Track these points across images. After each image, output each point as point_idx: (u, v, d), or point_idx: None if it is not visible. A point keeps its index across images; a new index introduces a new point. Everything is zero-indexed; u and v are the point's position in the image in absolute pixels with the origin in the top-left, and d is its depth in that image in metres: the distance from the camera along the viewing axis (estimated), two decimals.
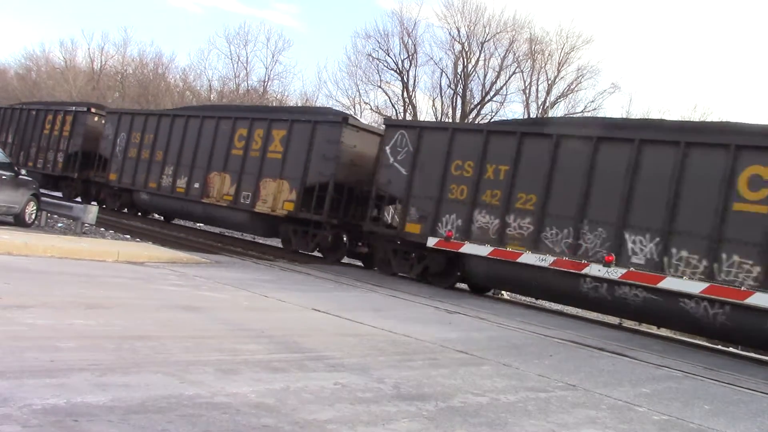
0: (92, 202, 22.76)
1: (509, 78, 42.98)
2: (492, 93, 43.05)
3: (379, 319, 8.76)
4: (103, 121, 24.60)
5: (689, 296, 11.38)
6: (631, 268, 11.91)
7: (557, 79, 42.50)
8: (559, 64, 42.25)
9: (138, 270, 10.26)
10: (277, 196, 17.81)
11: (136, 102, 48.44)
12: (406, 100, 43.61)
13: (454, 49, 43.16)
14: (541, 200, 13.29)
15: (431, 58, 44.23)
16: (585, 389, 6.42)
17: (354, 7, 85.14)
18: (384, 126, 17.29)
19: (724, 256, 11.17)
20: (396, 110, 43.18)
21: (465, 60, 42.89)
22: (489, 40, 42.51)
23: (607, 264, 12.07)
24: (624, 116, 38.10)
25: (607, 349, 9.47)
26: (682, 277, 11.44)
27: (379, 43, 43.97)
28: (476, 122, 38.23)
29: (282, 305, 9.04)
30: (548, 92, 42.65)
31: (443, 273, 15.02)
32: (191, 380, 4.56)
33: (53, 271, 8.79)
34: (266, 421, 3.96)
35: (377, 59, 43.89)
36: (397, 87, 44.25)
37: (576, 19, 66.13)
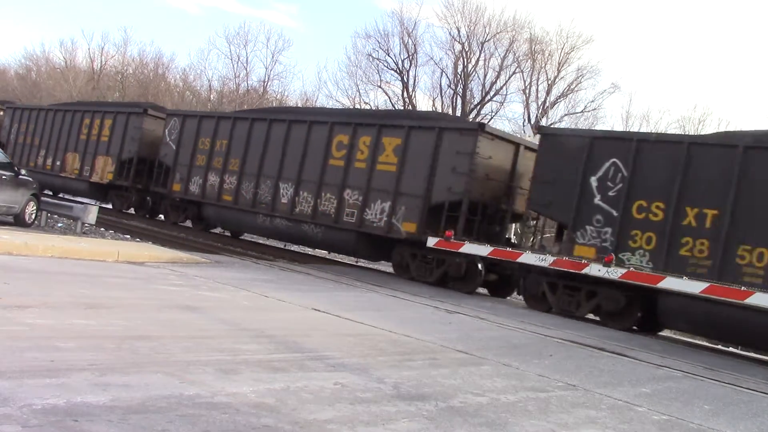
0: None
1: (509, 78, 43.09)
2: (492, 93, 43.16)
3: (379, 319, 8.76)
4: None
5: (306, 222, 17.16)
6: (631, 268, 12.01)
7: (557, 79, 42.59)
8: (559, 64, 42.34)
9: (138, 270, 10.26)
10: (104, 169, 23.80)
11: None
12: (406, 100, 43.66)
13: (454, 49, 43.26)
14: (241, 163, 18.95)
15: (431, 58, 44.37)
16: (585, 389, 6.42)
17: (353, 7, 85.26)
18: (167, 114, 22.91)
19: (323, 194, 16.87)
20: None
21: (465, 60, 42.97)
22: (489, 40, 42.60)
23: (606, 264, 12.17)
24: (624, 115, 38.34)
25: (607, 349, 9.47)
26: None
27: (379, 43, 44.09)
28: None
29: (282, 305, 9.04)
30: (548, 92, 42.72)
31: (198, 218, 21.12)
32: (191, 380, 4.56)
33: (53, 271, 8.79)
34: (266, 421, 3.96)
35: (377, 59, 44.00)
36: (397, 87, 44.36)
37: (576, 19, 66.17)
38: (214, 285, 9.75)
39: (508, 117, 45.31)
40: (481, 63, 42.93)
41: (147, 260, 11.36)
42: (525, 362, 7.37)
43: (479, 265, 14.24)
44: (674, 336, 14.48)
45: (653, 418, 5.69)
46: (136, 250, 12.36)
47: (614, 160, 12.64)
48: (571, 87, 42.54)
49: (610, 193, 12.62)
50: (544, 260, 12.95)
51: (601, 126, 40.31)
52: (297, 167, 17.45)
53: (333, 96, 47.07)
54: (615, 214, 12.51)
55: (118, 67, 58.86)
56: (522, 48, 42.57)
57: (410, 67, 43.71)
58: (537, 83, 42.89)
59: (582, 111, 41.83)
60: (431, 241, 14.53)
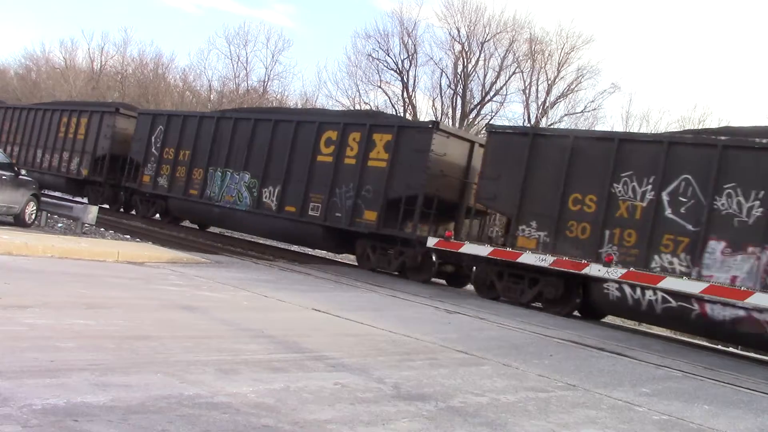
0: None
1: (509, 78, 42.91)
2: (492, 93, 42.98)
3: (379, 319, 8.76)
4: None
5: (46, 173, 26.15)
6: (631, 268, 12.05)
7: (557, 79, 42.41)
8: (559, 64, 42.17)
9: (138, 270, 10.26)
10: None
11: (137, 102, 48.36)
12: (406, 100, 43.60)
13: (454, 49, 43.14)
14: (21, 138, 28.10)
15: (431, 58, 44.17)
16: (585, 389, 6.42)
17: (351, 8, 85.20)
18: None
19: (54, 155, 26.33)
20: (396, 110, 43.13)
21: (465, 60, 42.88)
22: (489, 40, 42.47)
23: (606, 264, 12.22)
24: (624, 115, 38.43)
25: (606, 349, 9.47)
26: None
27: (379, 43, 43.94)
28: (466, 122, 39.31)
29: (282, 305, 9.05)
30: (548, 92, 42.59)
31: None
32: (191, 380, 4.56)
33: (53, 271, 8.79)
34: (266, 421, 3.96)
35: (377, 59, 43.85)
36: (397, 87, 44.23)
37: (576, 19, 65.84)
38: (214, 285, 9.75)
39: (509, 117, 44.99)
40: (481, 63, 42.83)
41: (147, 260, 11.36)
42: (525, 362, 7.37)
43: (161, 200, 23.01)
44: (674, 336, 14.49)
45: (653, 418, 5.69)
46: (136, 250, 12.36)
47: (161, 127, 21.94)
48: (571, 87, 42.40)
49: (158, 145, 21.93)
50: (544, 260, 12.98)
51: (601, 126, 40.42)
52: (45, 138, 26.88)
53: (333, 96, 46.99)
54: (157, 155, 21.87)
55: (118, 67, 58.71)
56: (522, 48, 42.47)
57: (410, 67, 43.61)
58: (537, 83, 42.77)
59: (582, 111, 41.76)
60: (431, 242, 14.62)
